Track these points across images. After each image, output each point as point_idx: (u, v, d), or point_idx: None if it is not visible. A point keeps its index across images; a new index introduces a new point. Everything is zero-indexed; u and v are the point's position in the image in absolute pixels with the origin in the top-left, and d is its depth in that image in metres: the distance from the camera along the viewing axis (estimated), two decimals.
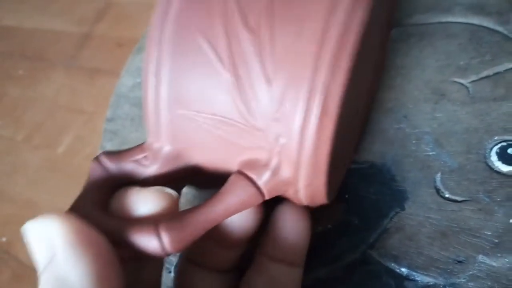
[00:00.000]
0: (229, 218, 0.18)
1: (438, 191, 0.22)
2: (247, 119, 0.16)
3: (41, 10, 0.95)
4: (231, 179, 0.17)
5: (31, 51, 0.90)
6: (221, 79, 0.16)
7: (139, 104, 0.32)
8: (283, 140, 0.16)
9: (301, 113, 0.15)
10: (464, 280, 0.19)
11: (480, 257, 0.20)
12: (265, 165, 0.17)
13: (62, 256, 0.14)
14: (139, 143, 0.18)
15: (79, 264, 0.14)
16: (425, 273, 0.20)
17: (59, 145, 0.71)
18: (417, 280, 0.20)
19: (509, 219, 0.20)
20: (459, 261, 0.20)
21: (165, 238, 0.16)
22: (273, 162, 0.17)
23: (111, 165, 0.18)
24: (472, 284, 0.19)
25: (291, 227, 0.19)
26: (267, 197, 0.17)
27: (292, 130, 0.16)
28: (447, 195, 0.21)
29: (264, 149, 0.16)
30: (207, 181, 0.19)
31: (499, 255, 0.19)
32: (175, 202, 0.17)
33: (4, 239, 0.70)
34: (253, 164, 0.17)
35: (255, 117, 0.16)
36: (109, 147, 0.31)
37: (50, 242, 0.14)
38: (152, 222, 0.16)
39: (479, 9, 0.26)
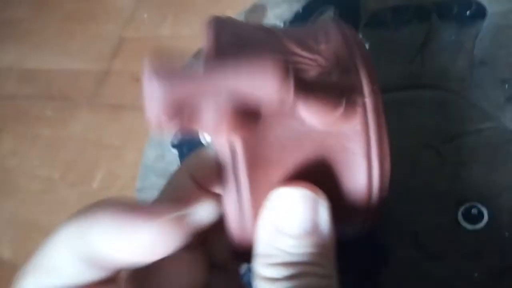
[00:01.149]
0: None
1: (417, 248, 0.26)
2: None
3: (59, 51, 1.01)
4: None
5: (55, 91, 0.96)
6: None
7: (163, 175, 0.37)
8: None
9: None
10: None
11: None
12: None
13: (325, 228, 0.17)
14: None
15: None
16: None
17: (93, 181, 0.77)
18: None
19: (475, 273, 0.24)
20: None
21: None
22: None
23: None
24: None
25: None
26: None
27: None
28: (424, 252, 0.26)
29: None
30: None
31: None
32: None
33: None
34: None
35: None
36: None
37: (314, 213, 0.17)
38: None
39: (444, 75, 0.30)
